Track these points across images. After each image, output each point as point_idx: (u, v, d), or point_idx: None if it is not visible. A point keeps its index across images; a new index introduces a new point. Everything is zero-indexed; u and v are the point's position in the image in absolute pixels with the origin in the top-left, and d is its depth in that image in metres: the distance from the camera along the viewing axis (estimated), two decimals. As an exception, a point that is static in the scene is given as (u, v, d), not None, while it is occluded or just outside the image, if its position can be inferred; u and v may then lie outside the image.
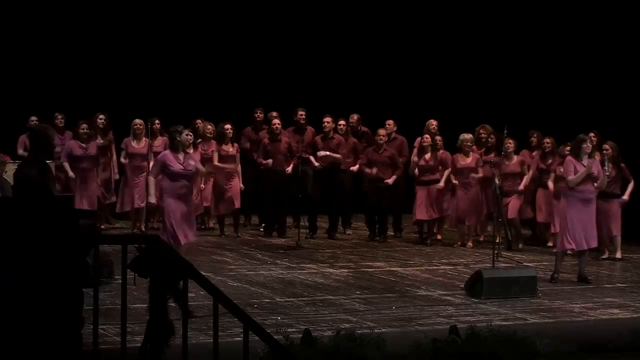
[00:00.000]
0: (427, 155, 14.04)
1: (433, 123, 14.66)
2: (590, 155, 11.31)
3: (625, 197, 13.02)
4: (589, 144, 11.20)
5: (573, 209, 11.04)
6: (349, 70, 17.65)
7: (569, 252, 11.48)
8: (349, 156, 14.55)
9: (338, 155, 14.30)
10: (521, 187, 13.64)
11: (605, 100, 15.38)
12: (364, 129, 15.27)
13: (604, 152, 12.78)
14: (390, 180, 14.18)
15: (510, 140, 13.50)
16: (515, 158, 13.70)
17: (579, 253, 11.24)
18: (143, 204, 13.91)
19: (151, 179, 10.86)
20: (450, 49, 17.80)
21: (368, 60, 17.90)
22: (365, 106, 15.80)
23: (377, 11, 17.95)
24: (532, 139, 14.16)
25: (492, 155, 13.99)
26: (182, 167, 10.38)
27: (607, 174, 11.54)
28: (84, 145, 13.81)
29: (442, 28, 17.85)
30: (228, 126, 14.27)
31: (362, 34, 17.86)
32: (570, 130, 11.77)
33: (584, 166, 11.03)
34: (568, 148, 12.67)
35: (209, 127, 14.41)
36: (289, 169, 14.35)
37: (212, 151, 14.20)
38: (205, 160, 13.81)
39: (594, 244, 11.27)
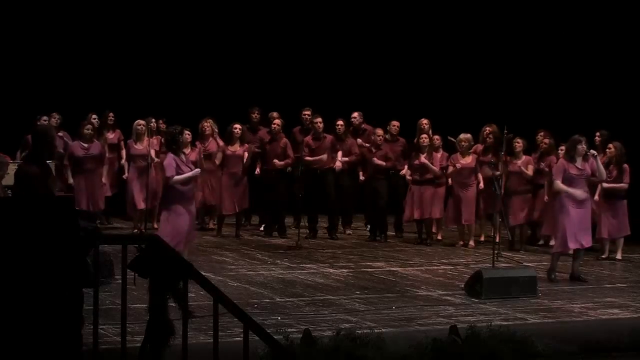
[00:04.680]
0: (423, 155, 14.01)
1: (424, 122, 14.62)
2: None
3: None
4: (584, 145, 11.14)
5: (567, 209, 11.05)
6: (350, 70, 17.66)
7: (570, 252, 11.50)
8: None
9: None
10: (528, 172, 13.56)
11: (616, 100, 15.38)
12: (366, 126, 15.25)
13: (607, 151, 12.80)
14: (380, 162, 14.16)
15: (519, 140, 13.50)
16: (523, 158, 13.68)
17: (576, 252, 11.25)
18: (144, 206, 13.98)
19: (178, 177, 10.20)
20: (452, 49, 17.81)
21: (369, 60, 17.91)
22: (368, 105, 15.78)
23: (378, 11, 17.96)
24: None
25: (490, 155, 13.95)
26: (189, 170, 10.41)
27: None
28: (85, 145, 13.79)
29: (444, 27, 17.86)
30: (237, 126, 14.19)
31: (362, 34, 17.88)
32: (578, 130, 11.70)
33: (578, 168, 11.03)
34: (562, 149, 12.65)
35: (207, 124, 14.37)
36: (280, 163, 14.28)
37: (216, 151, 14.16)
38: (205, 157, 13.81)
39: (587, 244, 11.19)
